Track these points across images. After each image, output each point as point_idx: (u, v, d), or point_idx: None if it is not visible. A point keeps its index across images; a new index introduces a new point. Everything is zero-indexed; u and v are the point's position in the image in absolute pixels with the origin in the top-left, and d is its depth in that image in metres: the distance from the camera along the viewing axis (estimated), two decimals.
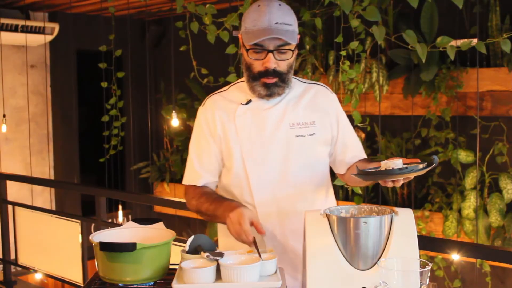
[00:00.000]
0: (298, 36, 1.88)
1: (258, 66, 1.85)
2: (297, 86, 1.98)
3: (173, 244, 1.76)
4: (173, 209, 5.55)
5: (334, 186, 2.15)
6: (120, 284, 1.61)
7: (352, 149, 2.01)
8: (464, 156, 4.55)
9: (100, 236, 1.70)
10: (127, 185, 7.01)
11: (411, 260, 1.46)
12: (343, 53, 3.10)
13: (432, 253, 4.51)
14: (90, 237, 1.67)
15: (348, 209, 1.73)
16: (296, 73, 1.96)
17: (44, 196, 6.23)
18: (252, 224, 1.73)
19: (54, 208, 6.28)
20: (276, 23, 1.80)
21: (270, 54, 1.82)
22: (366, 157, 2.04)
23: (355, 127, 2.34)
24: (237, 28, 3.35)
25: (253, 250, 1.67)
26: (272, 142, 1.91)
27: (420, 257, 1.50)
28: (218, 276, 1.55)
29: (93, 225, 4.11)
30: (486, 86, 4.46)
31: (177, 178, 6.57)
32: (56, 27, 5.93)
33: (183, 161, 6.42)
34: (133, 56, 5.39)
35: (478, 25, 4.12)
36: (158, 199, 4.34)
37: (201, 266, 1.55)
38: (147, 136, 5.72)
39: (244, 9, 3.18)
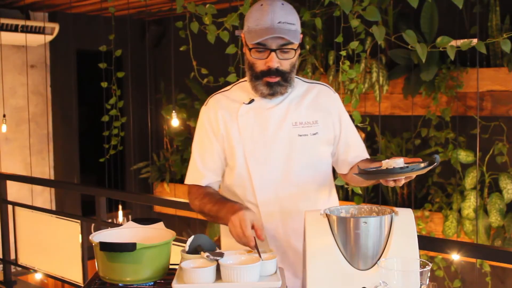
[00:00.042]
0: (301, 36, 1.88)
1: (260, 66, 1.85)
2: (300, 85, 1.98)
3: (173, 244, 1.76)
4: (173, 209, 5.55)
5: (334, 186, 2.15)
6: (120, 284, 1.61)
7: (355, 149, 2.01)
8: (464, 156, 4.55)
9: (100, 236, 1.70)
10: (127, 185, 7.01)
11: (411, 260, 1.46)
12: (343, 53, 3.10)
13: (432, 253, 4.51)
14: (90, 237, 1.67)
15: (348, 209, 1.73)
16: (296, 73, 1.96)
17: (44, 196, 6.23)
18: (253, 227, 1.73)
19: (54, 208, 6.28)
20: (279, 22, 1.80)
21: (273, 54, 1.82)
22: (368, 157, 2.04)
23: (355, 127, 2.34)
24: (237, 28, 3.35)
25: (253, 250, 1.67)
26: (275, 142, 1.91)
27: (420, 257, 1.50)
28: (218, 276, 1.55)
29: (93, 225, 4.11)
30: (486, 86, 4.46)
31: (177, 178, 6.57)
32: (56, 27, 5.93)
33: (183, 161, 6.43)
34: (133, 56, 5.39)
35: (478, 25, 4.12)
36: (158, 199, 4.34)
37: (201, 266, 1.55)
38: (147, 136, 5.72)
39: (244, 9, 3.18)
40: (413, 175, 1.64)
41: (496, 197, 4.43)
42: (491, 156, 4.55)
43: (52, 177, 6.42)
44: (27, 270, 4.14)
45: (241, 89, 1.99)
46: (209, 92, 2.11)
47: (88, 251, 3.57)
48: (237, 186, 1.96)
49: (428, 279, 1.38)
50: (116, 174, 6.01)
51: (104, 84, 4.42)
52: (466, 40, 2.70)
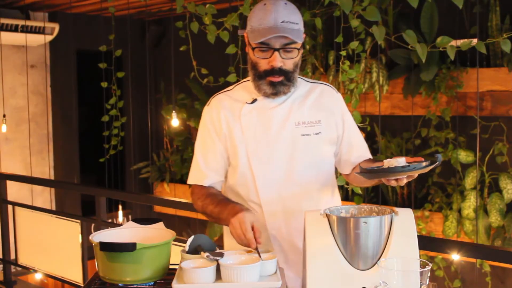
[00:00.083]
0: (304, 35, 1.88)
1: (264, 65, 1.85)
2: (303, 85, 1.98)
3: (173, 244, 1.76)
4: (173, 209, 5.55)
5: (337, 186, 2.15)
6: (120, 284, 1.61)
7: (358, 149, 2.01)
8: (464, 156, 4.55)
9: (100, 236, 1.70)
10: (127, 185, 7.01)
11: (411, 260, 1.46)
12: (343, 53, 3.10)
13: (432, 253, 4.51)
14: (90, 237, 1.67)
15: (348, 209, 1.73)
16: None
17: (44, 196, 6.24)
18: (253, 228, 1.73)
19: (54, 208, 6.28)
20: (282, 22, 1.80)
21: (276, 53, 1.82)
22: (371, 157, 2.04)
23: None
24: (237, 28, 3.35)
25: (253, 250, 1.67)
26: (278, 141, 1.91)
27: (420, 257, 1.50)
28: (218, 276, 1.55)
29: (93, 225, 4.11)
30: (486, 86, 4.46)
31: (177, 178, 6.57)
32: (56, 27, 5.93)
33: (183, 161, 6.43)
34: (133, 56, 5.39)
35: (478, 25, 4.12)
36: (158, 199, 4.34)
37: (201, 266, 1.55)
38: (147, 136, 5.72)
39: (244, 9, 3.18)
40: (415, 174, 1.64)
41: (496, 197, 4.43)
42: (491, 156, 4.55)
43: (52, 177, 6.42)
44: (27, 270, 4.14)
45: (243, 89, 1.99)
46: (209, 92, 2.12)
47: (88, 251, 3.57)
48: (240, 185, 1.95)
49: (428, 279, 1.38)
50: (116, 174, 6.01)
51: (104, 84, 4.42)
52: (466, 40, 2.70)
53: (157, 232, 1.77)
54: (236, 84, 2.05)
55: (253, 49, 1.86)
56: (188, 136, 6.57)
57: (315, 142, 1.92)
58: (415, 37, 2.73)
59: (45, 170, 6.37)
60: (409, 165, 1.58)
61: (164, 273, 1.66)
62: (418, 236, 1.61)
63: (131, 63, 5.36)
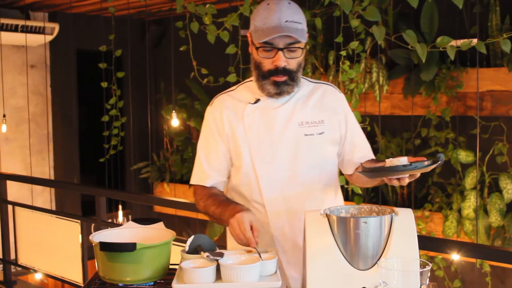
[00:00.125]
0: (307, 35, 1.88)
1: (267, 65, 1.85)
2: (305, 85, 1.98)
3: (173, 244, 1.76)
4: (173, 209, 5.55)
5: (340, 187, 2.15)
6: (120, 284, 1.61)
7: (360, 149, 2.01)
8: (464, 156, 4.55)
9: (100, 236, 1.70)
10: (127, 185, 7.01)
11: (411, 260, 1.46)
12: (343, 53, 3.10)
13: (432, 253, 4.51)
14: (90, 237, 1.67)
15: (348, 209, 1.73)
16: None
17: (44, 196, 6.24)
18: (251, 228, 1.72)
19: (54, 208, 6.28)
20: (286, 21, 1.80)
21: (280, 52, 1.82)
22: (374, 157, 2.04)
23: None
24: (237, 28, 3.35)
25: (253, 250, 1.67)
26: (281, 141, 1.91)
27: (420, 257, 1.50)
28: (218, 276, 1.55)
29: (93, 225, 4.11)
30: (486, 86, 4.46)
31: (177, 178, 6.57)
32: (56, 27, 5.93)
33: (183, 161, 6.43)
34: (133, 56, 5.40)
35: (478, 25, 4.12)
36: (158, 199, 4.34)
37: (201, 266, 1.55)
38: (147, 136, 5.72)
39: (244, 9, 3.18)
40: (417, 173, 1.63)
41: (496, 197, 4.43)
42: (491, 156, 4.55)
43: (52, 177, 6.42)
44: (27, 270, 4.14)
45: (246, 89, 1.99)
46: (209, 92, 2.12)
47: (88, 251, 3.57)
48: (244, 185, 1.95)
49: (428, 279, 1.38)
50: (116, 174, 6.01)
51: (104, 84, 4.42)
52: (466, 40, 2.70)
53: (157, 232, 1.77)
54: (239, 84, 2.05)
55: (257, 48, 1.85)
56: (188, 136, 6.57)
57: (318, 142, 1.92)
58: (415, 37, 2.73)
59: (45, 170, 6.38)
60: (410, 164, 1.58)
61: (164, 273, 1.66)
62: (418, 236, 1.60)
63: (131, 63, 5.36)
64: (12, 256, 4.22)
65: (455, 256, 3.01)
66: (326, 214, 1.64)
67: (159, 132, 6.99)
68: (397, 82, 4.89)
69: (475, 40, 2.67)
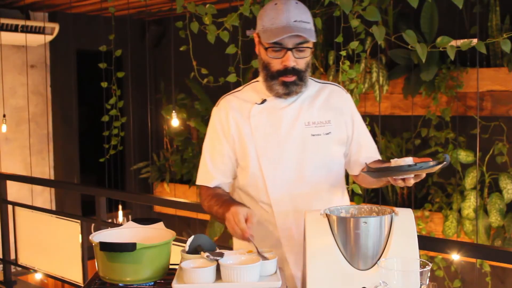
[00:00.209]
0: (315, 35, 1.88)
1: (276, 65, 1.85)
2: (312, 85, 1.98)
3: (173, 244, 1.76)
4: (173, 209, 5.55)
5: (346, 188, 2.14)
6: (120, 284, 1.61)
7: (367, 149, 2.01)
8: (464, 156, 4.55)
9: (100, 236, 1.70)
10: (127, 185, 7.01)
11: (411, 260, 1.46)
12: (343, 53, 3.10)
13: (432, 253, 4.51)
14: (90, 237, 1.67)
15: (348, 209, 1.73)
16: None
17: (44, 196, 6.23)
18: (246, 221, 1.73)
19: (54, 208, 6.28)
20: (295, 21, 1.80)
21: (289, 52, 1.82)
22: (380, 158, 2.04)
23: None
24: (237, 28, 3.35)
25: (253, 250, 1.67)
26: (288, 141, 1.91)
27: (420, 257, 1.50)
28: (218, 276, 1.55)
29: (93, 225, 4.11)
30: (486, 86, 4.46)
31: (177, 178, 6.57)
32: (56, 27, 5.93)
33: (183, 161, 6.43)
34: (133, 56, 5.39)
35: (478, 25, 4.12)
36: (158, 199, 4.34)
37: (201, 266, 1.55)
38: (147, 136, 5.72)
39: (244, 9, 3.18)
40: (423, 174, 1.63)
41: (496, 197, 4.43)
42: (491, 156, 4.55)
43: (52, 177, 6.42)
44: (27, 270, 4.14)
45: (253, 90, 1.99)
46: (209, 92, 2.12)
47: (88, 251, 3.56)
48: (250, 186, 1.96)
49: (428, 279, 1.38)
50: (116, 174, 6.01)
51: (104, 84, 4.42)
52: (466, 40, 2.70)
53: (157, 232, 1.77)
54: (245, 85, 2.05)
55: (265, 49, 1.85)
56: (188, 136, 6.57)
57: (325, 142, 1.92)
58: (415, 37, 2.73)
59: (45, 170, 6.38)
60: (415, 164, 1.57)
61: (164, 273, 1.66)
62: (418, 236, 1.60)
63: (131, 63, 5.36)
64: (12, 256, 4.22)
65: (455, 256, 3.01)
66: (326, 214, 1.64)
67: (159, 132, 6.99)
68: (397, 82, 4.89)
69: (475, 40, 2.67)
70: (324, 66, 5.16)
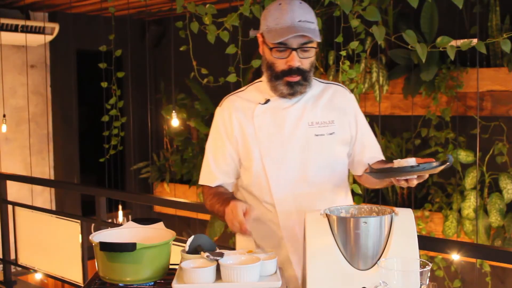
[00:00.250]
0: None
1: (281, 65, 1.85)
2: (316, 85, 1.98)
3: (173, 244, 1.76)
4: (173, 209, 5.55)
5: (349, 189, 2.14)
6: (120, 284, 1.61)
7: (370, 150, 2.01)
8: (464, 156, 4.55)
9: (100, 236, 1.70)
10: (127, 185, 7.01)
11: (411, 260, 1.46)
12: (343, 53, 3.10)
13: (432, 253, 4.51)
14: (90, 237, 1.67)
15: (348, 209, 1.73)
16: None
17: (44, 196, 6.23)
18: (244, 215, 1.72)
19: (54, 208, 6.28)
20: (299, 21, 1.80)
21: (294, 52, 1.82)
22: (384, 158, 2.04)
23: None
24: (237, 28, 3.35)
25: (253, 250, 1.67)
26: (291, 141, 1.91)
27: (420, 257, 1.50)
28: (218, 276, 1.55)
29: (93, 225, 4.11)
30: (486, 86, 4.46)
31: (177, 178, 6.57)
32: (56, 27, 5.93)
33: (183, 161, 6.43)
34: (133, 56, 5.39)
35: (478, 25, 4.12)
36: (158, 199, 4.34)
37: (201, 266, 1.55)
38: (147, 136, 5.72)
39: (244, 9, 3.18)
40: (426, 174, 1.63)
41: (496, 197, 4.43)
42: (491, 156, 4.55)
43: (52, 177, 6.42)
44: (27, 270, 4.14)
45: (256, 90, 1.99)
46: (209, 92, 2.12)
47: (88, 251, 3.56)
48: (254, 186, 1.96)
49: (428, 279, 1.38)
50: (116, 174, 6.00)
51: (104, 84, 4.42)
52: (466, 40, 2.70)
53: (157, 232, 1.77)
54: (249, 85, 2.05)
55: (270, 49, 1.85)
56: (188, 136, 6.57)
57: (328, 142, 1.92)
58: (415, 37, 2.73)
59: (45, 170, 6.38)
60: (418, 165, 1.57)
61: (164, 273, 1.66)
62: (418, 236, 1.60)
63: (131, 63, 5.36)
64: (12, 256, 4.22)
65: (455, 256, 3.01)
66: (326, 214, 1.64)
67: (159, 132, 6.99)
68: (397, 82, 4.89)
69: (475, 40, 2.67)
70: (324, 66, 5.16)
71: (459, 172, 4.61)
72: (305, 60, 1.85)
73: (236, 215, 1.71)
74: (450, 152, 4.59)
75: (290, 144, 1.91)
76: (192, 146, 6.39)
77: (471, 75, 4.47)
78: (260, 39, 1.91)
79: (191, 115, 6.25)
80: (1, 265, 4.51)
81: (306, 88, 1.90)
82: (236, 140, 1.95)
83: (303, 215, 1.88)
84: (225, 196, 1.92)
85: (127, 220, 3.81)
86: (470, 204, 4.49)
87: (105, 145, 4.65)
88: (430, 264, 1.38)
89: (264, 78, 1.95)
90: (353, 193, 4.32)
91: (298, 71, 1.84)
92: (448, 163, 1.58)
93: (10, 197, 4.27)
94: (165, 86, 6.78)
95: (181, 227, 6.48)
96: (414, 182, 1.66)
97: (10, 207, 4.19)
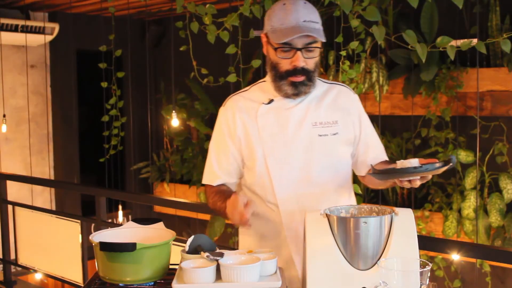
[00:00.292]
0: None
1: (285, 65, 1.85)
2: (320, 86, 1.98)
3: (173, 244, 1.75)
4: (173, 209, 5.55)
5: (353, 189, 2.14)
6: (120, 284, 1.61)
7: (374, 150, 2.01)
8: (464, 156, 4.55)
9: (100, 236, 1.70)
10: (127, 185, 7.00)
11: (411, 260, 1.46)
12: (343, 53, 3.10)
13: (432, 253, 4.51)
14: (90, 237, 1.67)
15: (348, 209, 1.73)
16: None
17: (44, 196, 6.23)
18: (245, 207, 1.72)
19: (54, 208, 6.28)
20: (304, 21, 1.81)
21: (299, 52, 1.82)
22: (387, 159, 2.04)
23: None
24: (237, 28, 3.35)
25: (253, 250, 1.67)
26: (295, 142, 1.91)
27: (420, 257, 1.50)
28: (218, 276, 1.55)
29: (93, 225, 4.11)
30: (486, 86, 4.46)
31: (177, 178, 6.57)
32: (56, 27, 5.93)
33: (183, 161, 6.43)
34: (133, 56, 5.39)
35: (478, 25, 4.12)
36: (158, 199, 4.34)
37: (201, 266, 1.54)
38: (147, 136, 5.72)
39: (244, 9, 3.18)
40: (429, 175, 1.63)
41: (496, 197, 4.43)
42: (491, 156, 4.55)
43: (52, 177, 6.42)
44: (27, 270, 4.14)
45: (260, 90, 1.99)
46: (209, 92, 2.13)
47: (88, 251, 3.56)
48: (257, 185, 1.96)
49: (428, 279, 1.38)
50: (116, 174, 6.00)
51: (104, 84, 4.42)
52: (466, 40, 2.70)
53: (157, 232, 1.77)
54: (252, 85, 2.05)
55: (275, 49, 1.85)
56: (188, 136, 6.57)
57: (332, 142, 1.92)
58: (415, 37, 2.73)
59: (45, 170, 6.38)
60: (421, 166, 1.57)
61: (164, 273, 1.66)
62: (418, 236, 1.60)
63: (131, 63, 5.36)
64: (12, 256, 4.22)
65: (455, 256, 3.01)
66: (326, 214, 1.64)
67: (159, 132, 6.99)
68: (397, 82, 4.89)
69: (475, 40, 2.67)
70: (324, 66, 5.16)
71: (459, 172, 4.61)
72: (309, 60, 1.85)
73: (236, 206, 1.71)
74: (450, 152, 4.59)
75: (294, 144, 1.91)
76: (192, 146, 6.39)
77: (471, 75, 4.47)
78: (264, 39, 1.91)
79: (191, 115, 6.25)
80: (1, 265, 4.51)
81: (311, 88, 1.90)
82: (239, 140, 1.95)
83: None
84: (227, 194, 1.92)
85: (127, 220, 3.81)
86: (470, 204, 4.49)
87: (105, 145, 4.65)
88: (430, 264, 1.38)
89: (268, 78, 1.95)
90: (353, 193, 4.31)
91: (303, 71, 1.84)
92: (451, 164, 1.58)
93: (10, 197, 4.27)
94: (165, 86, 6.78)
95: (181, 227, 6.48)
96: (417, 183, 1.66)
97: (10, 207, 4.19)
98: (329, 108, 1.94)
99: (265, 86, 1.96)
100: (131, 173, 6.89)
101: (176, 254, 1.71)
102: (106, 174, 4.87)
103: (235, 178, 2.02)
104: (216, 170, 2.00)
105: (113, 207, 6.15)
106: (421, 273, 1.36)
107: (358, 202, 4.25)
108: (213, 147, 2.03)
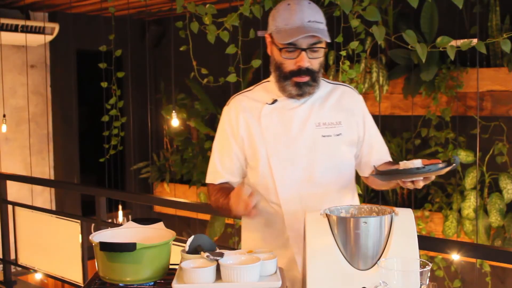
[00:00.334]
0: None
1: (290, 65, 1.85)
2: (324, 86, 1.97)
3: (173, 244, 1.75)
4: (173, 209, 5.55)
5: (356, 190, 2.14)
6: (120, 284, 1.61)
7: (378, 151, 2.00)
8: (464, 156, 4.55)
9: (100, 236, 1.70)
10: (127, 185, 7.00)
11: (411, 260, 1.46)
12: (343, 53, 3.10)
13: (432, 253, 4.51)
14: (90, 237, 1.67)
15: (348, 209, 1.73)
16: None
17: (44, 196, 6.23)
18: (250, 196, 1.73)
19: (54, 208, 6.28)
20: (309, 21, 1.80)
21: (303, 53, 1.82)
22: (391, 160, 2.03)
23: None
24: (237, 28, 3.35)
25: (253, 250, 1.67)
26: (298, 142, 1.91)
27: (420, 257, 1.50)
28: (218, 276, 1.55)
29: (93, 225, 4.11)
30: (486, 86, 4.46)
31: (177, 178, 6.57)
32: (56, 27, 5.93)
33: (183, 161, 6.43)
34: (133, 56, 5.39)
35: (478, 25, 4.12)
36: (158, 199, 4.34)
37: (201, 266, 1.54)
38: (147, 136, 5.72)
39: (244, 9, 3.18)
40: (432, 176, 1.63)
41: (496, 197, 4.43)
42: (491, 156, 4.55)
43: (52, 177, 6.42)
44: (27, 270, 4.14)
45: (263, 90, 1.99)
46: (209, 92, 2.13)
47: (88, 251, 3.56)
48: (260, 185, 1.96)
49: (428, 279, 1.38)
50: (116, 174, 6.00)
51: (104, 84, 4.42)
52: (466, 40, 2.70)
53: (157, 232, 1.77)
54: (256, 85, 2.05)
55: (279, 49, 1.85)
56: (188, 136, 6.57)
57: (335, 143, 1.92)
58: (415, 37, 2.73)
59: (45, 170, 6.37)
60: (424, 167, 1.57)
61: (164, 273, 1.66)
62: (418, 236, 1.60)
63: (131, 63, 5.36)
64: (12, 256, 4.22)
65: (455, 256, 3.01)
66: (326, 214, 1.64)
67: (159, 132, 6.99)
68: (397, 82, 4.89)
69: (475, 40, 2.67)
70: (324, 66, 5.15)
71: (459, 172, 4.61)
72: (314, 61, 1.85)
73: (240, 195, 1.72)
74: (450, 152, 4.59)
75: (297, 144, 1.90)
76: (192, 146, 6.39)
77: (471, 75, 4.47)
78: (268, 40, 1.91)
79: (191, 115, 6.25)
80: (1, 265, 4.51)
81: (315, 89, 1.89)
82: (242, 139, 1.95)
83: None
84: (229, 191, 1.92)
85: (127, 220, 3.81)
86: (470, 204, 4.49)
87: (105, 145, 4.64)
88: (430, 264, 1.38)
89: (272, 78, 1.95)
90: None
91: (307, 71, 1.84)
92: (454, 165, 1.58)
93: (10, 197, 4.27)
94: (165, 86, 6.78)
95: (181, 227, 6.48)
96: (420, 184, 1.66)
97: (10, 207, 4.19)
98: (333, 109, 1.94)
99: (269, 86, 1.96)
100: (131, 173, 6.90)
101: (176, 254, 1.71)
102: (106, 174, 4.87)
103: (238, 178, 2.02)
104: (219, 169, 2.00)
105: (113, 207, 6.15)
106: (421, 273, 1.36)
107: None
108: (216, 146, 2.03)
